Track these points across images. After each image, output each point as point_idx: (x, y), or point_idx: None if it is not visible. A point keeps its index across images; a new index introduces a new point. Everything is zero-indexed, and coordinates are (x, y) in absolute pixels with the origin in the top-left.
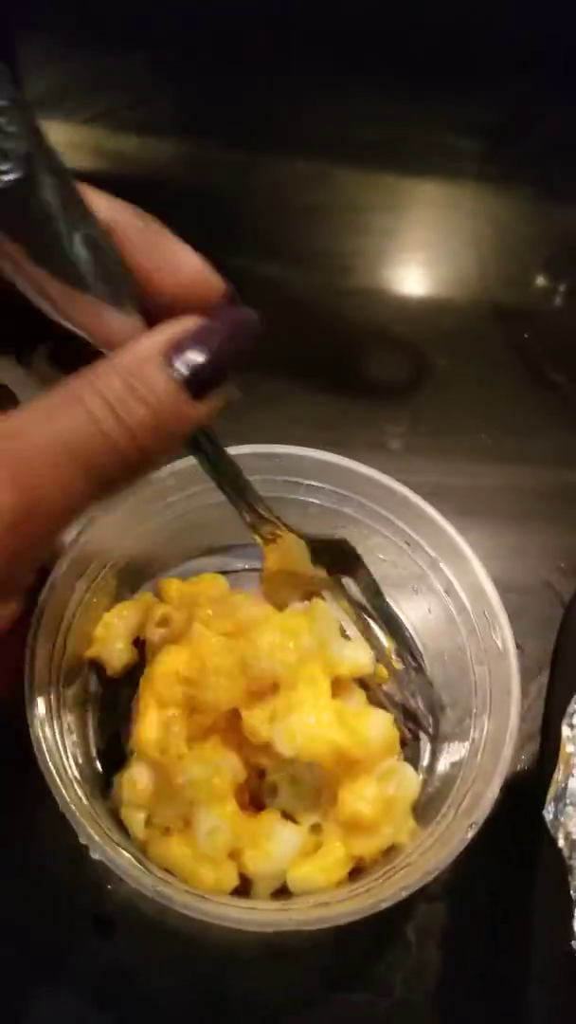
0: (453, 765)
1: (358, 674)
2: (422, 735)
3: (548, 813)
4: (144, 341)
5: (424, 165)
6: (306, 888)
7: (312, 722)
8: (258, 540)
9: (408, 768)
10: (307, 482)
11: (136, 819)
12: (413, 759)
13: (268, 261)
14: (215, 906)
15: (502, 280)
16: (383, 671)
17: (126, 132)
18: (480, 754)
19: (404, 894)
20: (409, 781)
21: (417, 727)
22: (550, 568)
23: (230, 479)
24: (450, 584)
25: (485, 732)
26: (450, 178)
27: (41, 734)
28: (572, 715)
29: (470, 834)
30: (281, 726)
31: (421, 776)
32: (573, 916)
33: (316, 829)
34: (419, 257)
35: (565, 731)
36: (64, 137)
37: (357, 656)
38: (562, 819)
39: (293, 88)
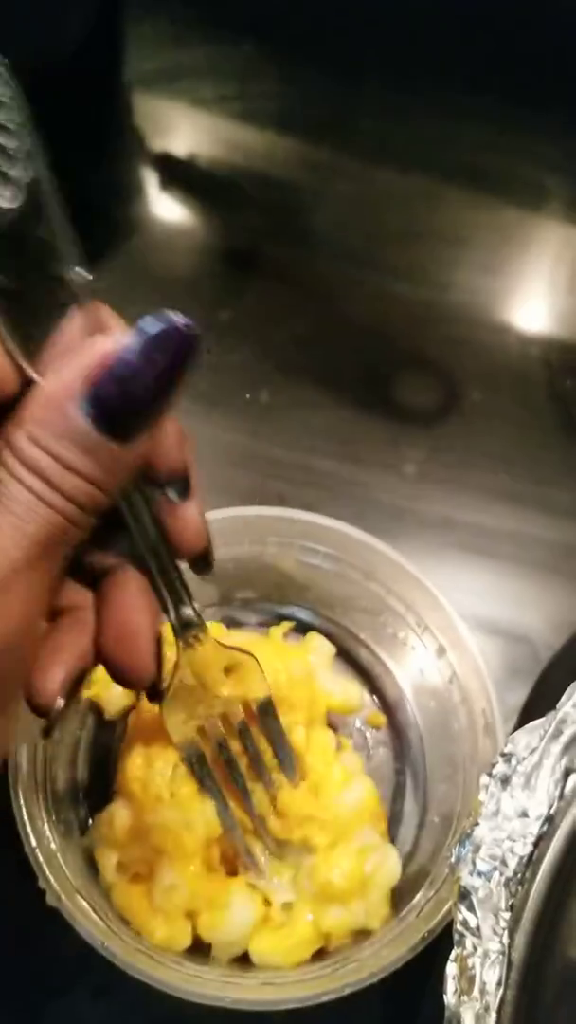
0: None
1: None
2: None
3: (452, 856)
4: (54, 384)
5: (509, 195)
6: (267, 963)
7: None
8: (178, 645)
9: (391, 850)
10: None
11: (108, 860)
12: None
13: (331, 269)
14: (161, 968)
15: (562, 326)
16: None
17: (226, 119)
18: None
19: (347, 991)
20: (390, 864)
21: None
22: (542, 620)
23: (160, 563)
24: (453, 674)
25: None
26: (534, 211)
27: (18, 764)
28: (494, 766)
29: (423, 943)
30: None
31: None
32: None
33: (287, 907)
34: (483, 286)
35: (483, 780)
36: (163, 117)
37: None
38: (459, 864)
39: (393, 100)
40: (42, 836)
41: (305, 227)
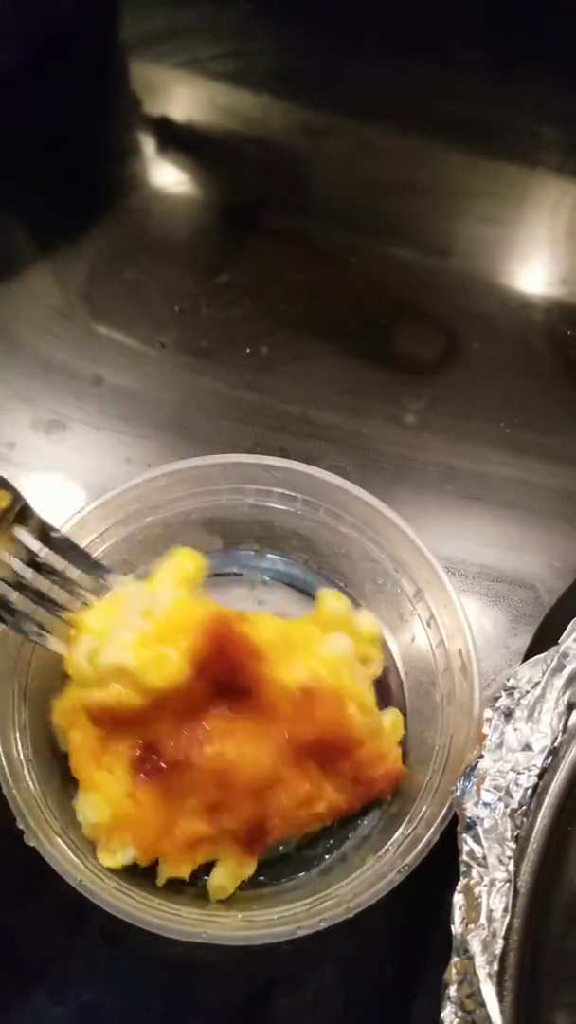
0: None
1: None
2: None
3: (456, 790)
4: None
5: (505, 147)
6: (225, 894)
7: None
8: None
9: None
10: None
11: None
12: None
13: (328, 226)
14: (139, 906)
15: (560, 276)
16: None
17: (220, 81)
18: (429, 800)
19: (323, 925)
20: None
21: None
22: (544, 565)
23: None
24: (431, 616)
25: (440, 778)
26: (531, 162)
27: None
28: (497, 700)
29: (400, 877)
30: None
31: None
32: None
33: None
34: (481, 237)
35: (487, 713)
36: (160, 78)
37: None
38: (464, 796)
39: (389, 57)
40: (20, 778)
41: (302, 184)
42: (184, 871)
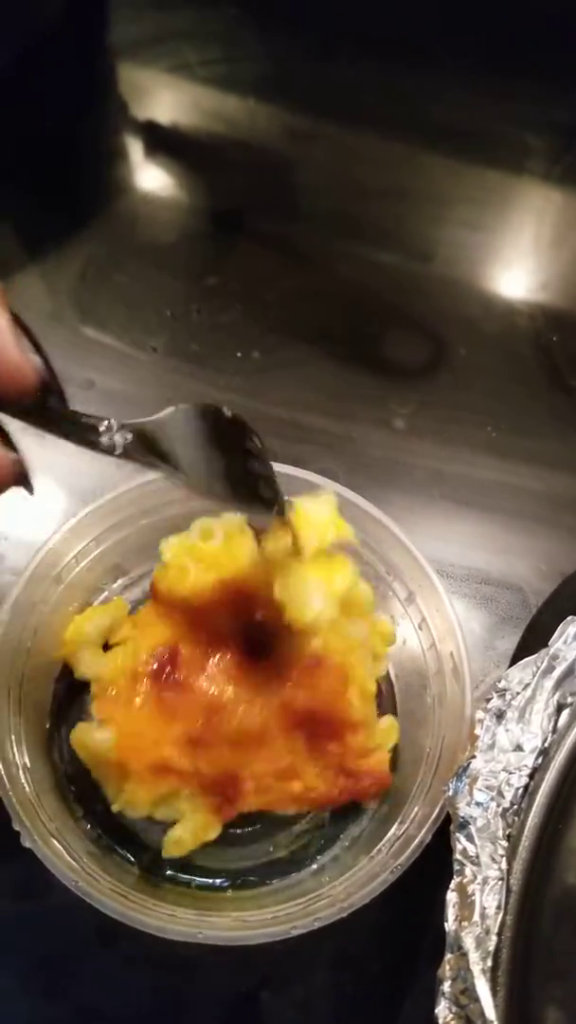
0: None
1: None
2: None
3: (449, 790)
4: None
5: (490, 154)
6: (180, 850)
7: None
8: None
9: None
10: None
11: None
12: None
13: (314, 230)
14: (135, 909)
15: (545, 282)
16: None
17: (207, 86)
18: (421, 800)
19: (317, 924)
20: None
21: None
22: (530, 568)
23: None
24: (423, 619)
25: (431, 779)
26: (516, 170)
27: None
28: (489, 701)
29: (392, 876)
30: None
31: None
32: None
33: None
34: (467, 243)
35: (479, 714)
36: (147, 82)
37: None
38: (457, 796)
39: (374, 63)
40: (16, 782)
41: (289, 189)
42: (141, 800)
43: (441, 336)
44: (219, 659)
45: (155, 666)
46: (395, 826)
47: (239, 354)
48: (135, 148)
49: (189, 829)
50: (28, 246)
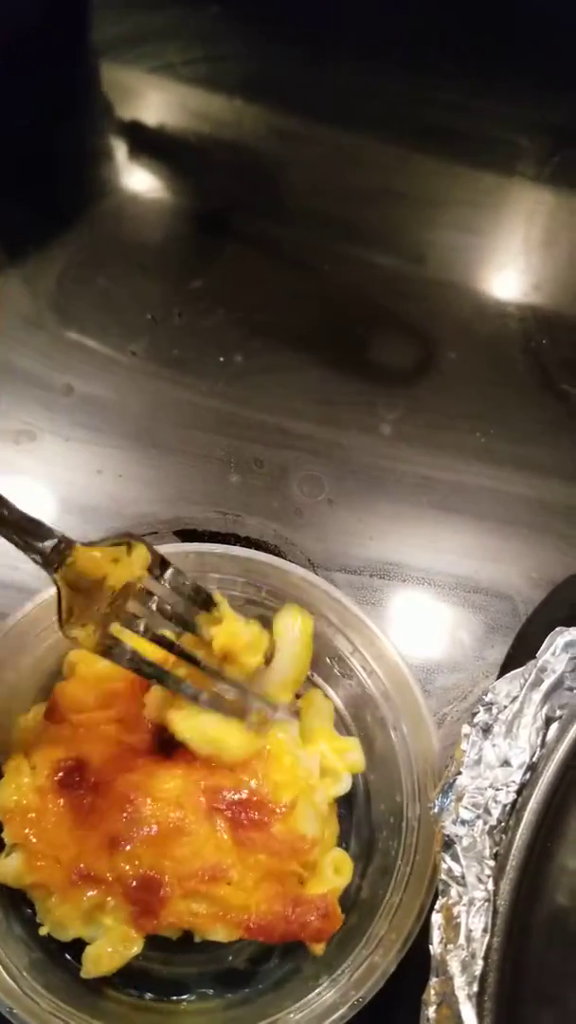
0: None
1: None
2: None
3: (435, 807)
4: None
5: (481, 156)
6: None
7: None
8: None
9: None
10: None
11: None
12: None
13: (302, 232)
14: None
15: (536, 284)
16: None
17: (192, 86)
18: (389, 919)
19: None
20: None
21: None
22: (521, 576)
23: None
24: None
25: (401, 895)
26: (507, 172)
27: None
28: (475, 715)
29: (351, 1012)
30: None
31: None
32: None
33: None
34: (457, 246)
35: (464, 729)
36: (131, 82)
37: None
38: (442, 814)
39: (362, 62)
40: None
41: (276, 191)
42: (69, 917)
43: (430, 340)
44: (137, 759)
45: (61, 775)
46: (360, 945)
47: (221, 358)
48: (119, 149)
49: (108, 944)
50: (8, 248)
